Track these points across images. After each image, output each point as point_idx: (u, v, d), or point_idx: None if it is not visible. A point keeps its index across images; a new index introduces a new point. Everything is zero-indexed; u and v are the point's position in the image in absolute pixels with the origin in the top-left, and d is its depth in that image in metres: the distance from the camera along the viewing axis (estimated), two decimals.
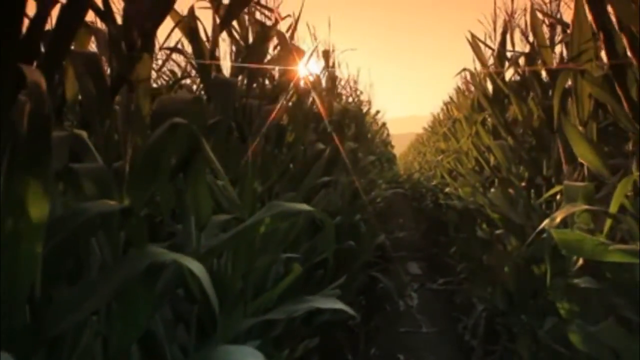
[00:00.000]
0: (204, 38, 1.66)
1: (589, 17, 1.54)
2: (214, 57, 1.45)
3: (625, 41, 1.45)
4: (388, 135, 7.94)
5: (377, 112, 6.01)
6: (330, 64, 3.38)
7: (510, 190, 2.83)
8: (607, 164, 1.71)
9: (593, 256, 1.22)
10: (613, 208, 1.33)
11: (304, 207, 1.17)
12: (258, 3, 2.03)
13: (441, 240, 5.40)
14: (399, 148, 16.16)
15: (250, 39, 1.81)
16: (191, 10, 1.48)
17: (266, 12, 2.15)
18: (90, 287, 0.74)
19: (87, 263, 0.87)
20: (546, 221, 1.91)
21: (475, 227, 3.60)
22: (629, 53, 1.47)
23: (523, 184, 2.77)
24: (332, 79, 3.31)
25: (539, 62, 2.37)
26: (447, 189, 4.23)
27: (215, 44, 1.44)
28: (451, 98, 4.94)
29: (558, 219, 1.42)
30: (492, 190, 2.89)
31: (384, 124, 6.84)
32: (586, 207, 1.45)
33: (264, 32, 1.67)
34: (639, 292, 1.49)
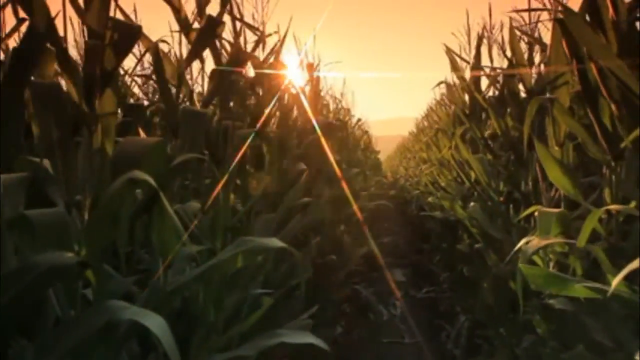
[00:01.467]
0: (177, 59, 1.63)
1: (564, 45, 1.55)
2: (181, 89, 1.42)
3: (595, 72, 1.46)
4: (371, 143, 7.94)
5: (359, 120, 6.03)
6: (315, 76, 3.36)
7: (490, 204, 2.85)
8: (580, 188, 1.72)
9: (560, 291, 1.23)
10: (581, 240, 1.34)
11: (275, 242, 1.15)
12: (243, 21, 2.01)
13: (425, 248, 5.42)
14: (387, 150, 16.19)
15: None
16: (155, 47, 1.45)
17: (253, 29, 2.14)
18: (45, 346, 0.72)
19: (43, 315, 0.85)
20: (522, 241, 1.93)
21: (457, 238, 3.62)
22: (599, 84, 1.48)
23: (502, 198, 2.79)
24: (316, 92, 3.30)
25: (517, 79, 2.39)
26: (429, 199, 4.25)
27: (181, 78, 1.41)
28: (432, 108, 4.96)
29: (530, 251, 1.43)
30: (472, 204, 2.91)
31: (366, 132, 6.85)
32: (557, 239, 1.46)
33: (239, 57, 1.65)
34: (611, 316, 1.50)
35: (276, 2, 2.30)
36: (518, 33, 2.36)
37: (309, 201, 2.14)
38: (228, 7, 1.76)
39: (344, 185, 3.41)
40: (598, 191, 1.86)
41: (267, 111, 2.02)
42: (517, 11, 2.17)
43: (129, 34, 1.00)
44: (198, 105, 1.57)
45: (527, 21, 2.27)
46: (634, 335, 1.44)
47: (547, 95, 1.85)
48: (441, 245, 4.29)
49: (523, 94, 2.53)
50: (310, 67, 3.23)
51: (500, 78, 2.66)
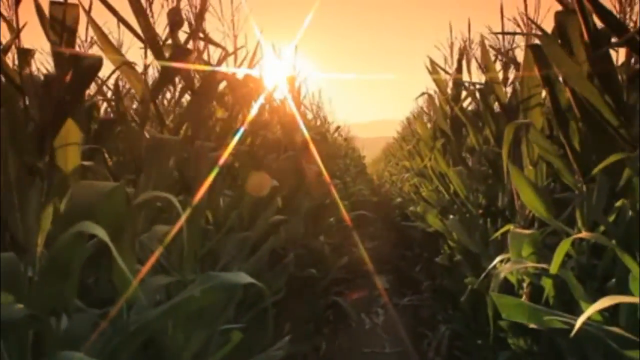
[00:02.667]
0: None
1: (536, 69, 1.56)
2: (145, 121, 1.38)
3: (569, 96, 1.47)
4: (354, 150, 7.94)
5: (338, 127, 6.01)
6: (296, 88, 3.34)
7: (468, 216, 2.86)
8: (553, 209, 1.74)
9: (531, 322, 1.23)
10: (554, 267, 1.35)
11: (243, 278, 1.13)
12: (208, 38, 1.98)
13: (408, 255, 5.44)
14: (374, 152, 16.20)
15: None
16: (116, 85, 1.42)
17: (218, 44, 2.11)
18: None
19: None
20: (497, 259, 1.94)
21: (438, 248, 3.63)
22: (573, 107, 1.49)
23: (480, 211, 2.80)
24: (297, 104, 3.28)
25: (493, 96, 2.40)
26: (411, 208, 4.26)
27: (146, 111, 1.37)
28: (414, 116, 4.98)
29: (502, 275, 1.43)
30: (451, 216, 2.91)
31: (347, 140, 6.83)
32: (529, 264, 1.47)
33: (210, 77, 1.61)
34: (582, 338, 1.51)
35: (247, 16, 2.28)
36: (493, 53, 2.38)
37: (284, 219, 2.12)
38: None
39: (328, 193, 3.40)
40: (570, 208, 1.88)
41: (240, 126, 2.00)
42: (493, 33, 2.19)
43: (90, 67, 0.97)
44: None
45: (502, 41, 2.29)
46: (605, 358, 1.45)
47: (521, 115, 1.86)
48: (423, 255, 4.31)
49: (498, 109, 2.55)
50: (291, 80, 3.21)
51: (477, 93, 2.68)
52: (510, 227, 1.92)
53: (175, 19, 1.40)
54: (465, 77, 2.90)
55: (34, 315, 0.76)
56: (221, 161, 1.67)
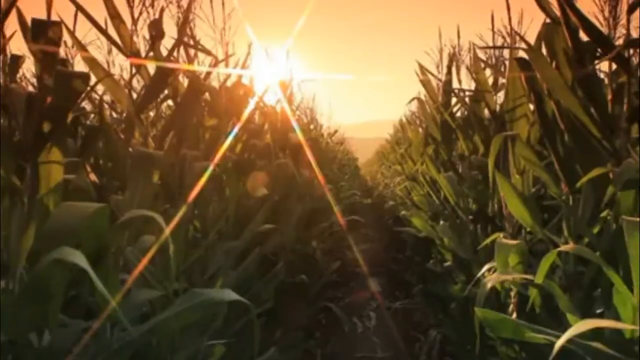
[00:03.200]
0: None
1: (522, 79, 1.57)
2: (131, 135, 1.38)
3: (553, 107, 1.48)
4: (348, 154, 7.96)
5: (335, 131, 6.02)
6: (288, 93, 3.34)
7: (458, 222, 2.87)
8: (539, 218, 1.75)
9: (515, 337, 1.24)
10: (539, 277, 1.35)
11: (229, 295, 1.13)
12: (197, 46, 1.97)
13: (400, 258, 5.45)
14: (368, 152, 16.22)
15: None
16: (100, 103, 1.41)
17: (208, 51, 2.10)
18: None
19: None
20: (485, 268, 1.95)
21: (430, 252, 3.64)
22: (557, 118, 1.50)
23: (471, 217, 2.80)
24: (289, 109, 3.27)
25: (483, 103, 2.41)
26: (403, 212, 4.26)
27: (131, 127, 1.36)
28: (407, 120, 4.99)
29: (488, 286, 1.44)
30: (442, 222, 2.92)
31: (342, 144, 6.85)
32: (515, 275, 1.47)
33: (195, 87, 1.61)
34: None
35: (239, 21, 2.27)
36: (482, 63, 2.39)
37: (274, 227, 2.12)
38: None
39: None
40: (558, 217, 1.89)
41: (229, 134, 1.99)
42: (482, 48, 2.21)
43: (75, 84, 0.95)
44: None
45: (492, 50, 2.30)
46: None
47: (508, 126, 1.87)
48: (414, 258, 4.31)
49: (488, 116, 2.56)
50: (283, 85, 3.21)
51: (467, 99, 2.68)
52: (499, 235, 1.93)
53: (156, 32, 1.40)
54: (455, 83, 2.90)
55: (13, 341, 0.76)
56: (209, 170, 1.67)
